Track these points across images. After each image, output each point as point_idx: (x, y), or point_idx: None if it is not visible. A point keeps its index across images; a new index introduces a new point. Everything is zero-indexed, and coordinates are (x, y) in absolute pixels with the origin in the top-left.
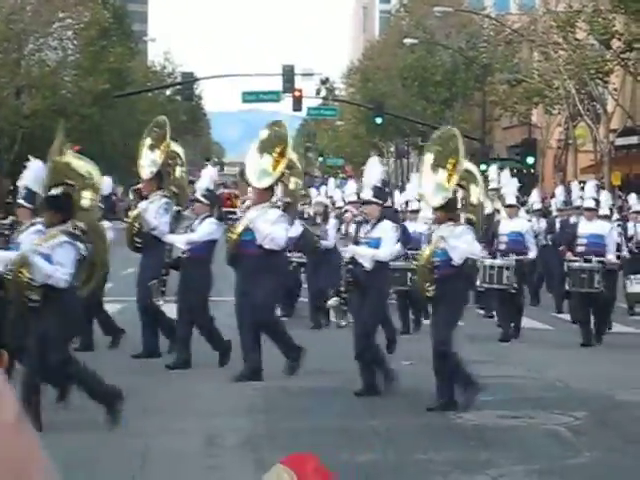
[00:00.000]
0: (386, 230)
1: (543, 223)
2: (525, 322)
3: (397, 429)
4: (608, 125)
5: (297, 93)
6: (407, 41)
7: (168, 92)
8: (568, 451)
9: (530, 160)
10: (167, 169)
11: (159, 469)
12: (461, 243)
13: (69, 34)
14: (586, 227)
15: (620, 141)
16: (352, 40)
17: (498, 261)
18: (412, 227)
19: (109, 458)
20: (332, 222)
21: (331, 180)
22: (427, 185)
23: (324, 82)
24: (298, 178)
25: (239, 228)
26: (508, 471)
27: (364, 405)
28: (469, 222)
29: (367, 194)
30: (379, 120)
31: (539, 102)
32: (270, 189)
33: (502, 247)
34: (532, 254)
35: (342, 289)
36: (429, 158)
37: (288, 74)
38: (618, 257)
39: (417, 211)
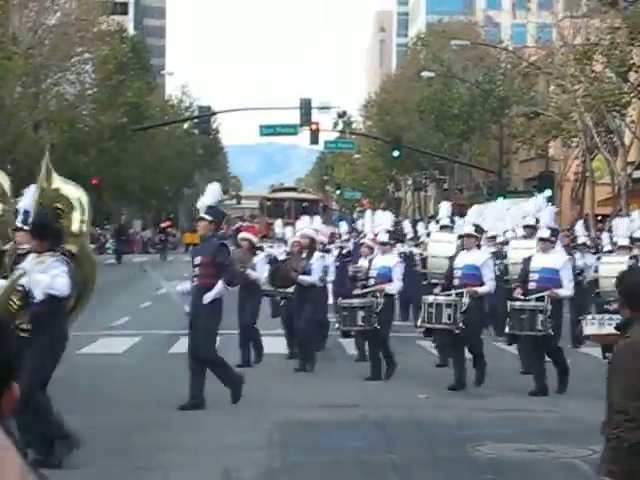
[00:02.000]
0: None
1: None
2: None
3: (413, 462)
4: (625, 158)
5: (314, 126)
6: (424, 74)
7: (185, 126)
8: None
9: (548, 193)
10: None
11: None
12: (45, 276)
13: (87, 68)
14: (540, 260)
15: (638, 174)
16: (369, 73)
17: (441, 298)
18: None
19: None
20: (316, 256)
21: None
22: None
23: (341, 115)
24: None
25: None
26: None
27: (380, 438)
28: (70, 254)
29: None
30: (396, 153)
31: (556, 135)
32: None
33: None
34: (486, 288)
35: None
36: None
37: (305, 107)
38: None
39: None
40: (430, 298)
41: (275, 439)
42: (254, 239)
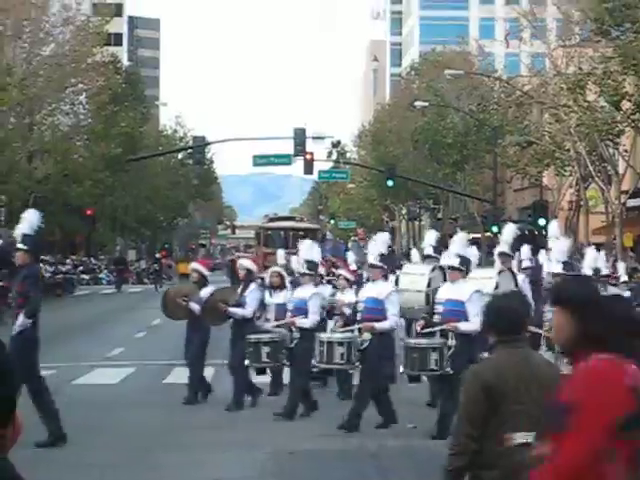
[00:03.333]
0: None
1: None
2: None
3: None
4: (619, 186)
5: (308, 156)
6: (418, 104)
7: (180, 156)
8: None
9: (542, 222)
10: None
11: None
12: None
13: (81, 99)
14: (446, 291)
15: (632, 202)
16: (363, 103)
17: (338, 335)
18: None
19: None
20: (251, 288)
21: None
22: None
23: (335, 145)
24: None
25: None
26: None
27: (374, 467)
28: None
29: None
30: (390, 183)
31: (550, 164)
32: None
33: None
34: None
35: None
36: None
37: (299, 137)
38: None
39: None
40: (323, 336)
41: (268, 469)
42: (205, 271)
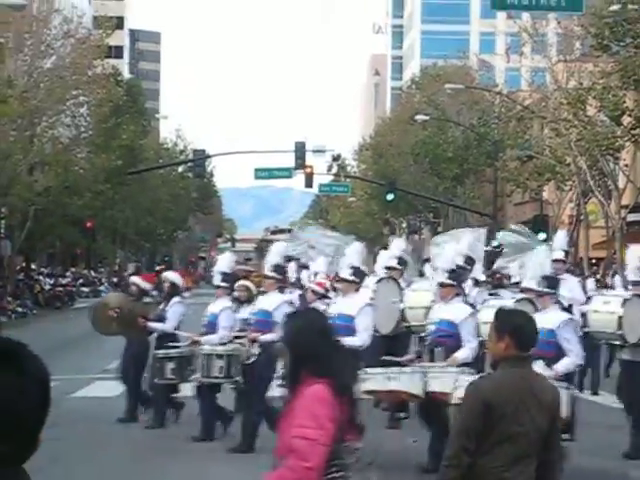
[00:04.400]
0: None
1: None
2: None
3: None
4: (620, 201)
5: (309, 170)
6: (418, 117)
7: (180, 169)
8: None
9: (542, 236)
10: None
11: None
12: None
13: (82, 111)
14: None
15: (632, 217)
16: (364, 116)
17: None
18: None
19: None
20: (174, 301)
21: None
22: None
23: (336, 159)
24: None
25: None
26: None
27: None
28: None
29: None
30: (390, 197)
31: (550, 178)
32: None
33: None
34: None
35: None
36: None
37: (300, 151)
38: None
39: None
40: (205, 348)
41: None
42: (144, 285)
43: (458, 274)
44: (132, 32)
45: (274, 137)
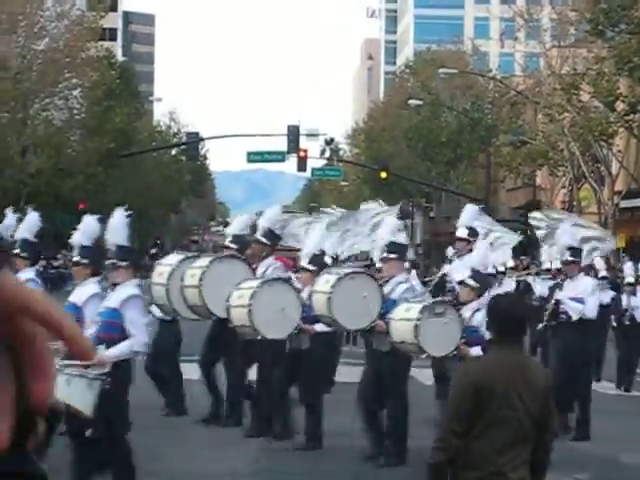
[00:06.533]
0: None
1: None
2: None
3: None
4: (612, 187)
5: (302, 153)
6: (412, 102)
7: (173, 152)
8: None
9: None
10: None
11: None
12: None
13: (75, 94)
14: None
15: (624, 203)
16: (357, 101)
17: None
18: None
19: None
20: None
21: None
22: None
23: (329, 143)
24: None
25: None
26: None
27: (368, 467)
28: None
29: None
30: (384, 175)
31: (543, 164)
32: None
33: None
34: None
35: None
36: None
37: (293, 134)
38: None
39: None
40: None
41: (262, 466)
42: None
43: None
44: (126, 14)
45: (267, 120)
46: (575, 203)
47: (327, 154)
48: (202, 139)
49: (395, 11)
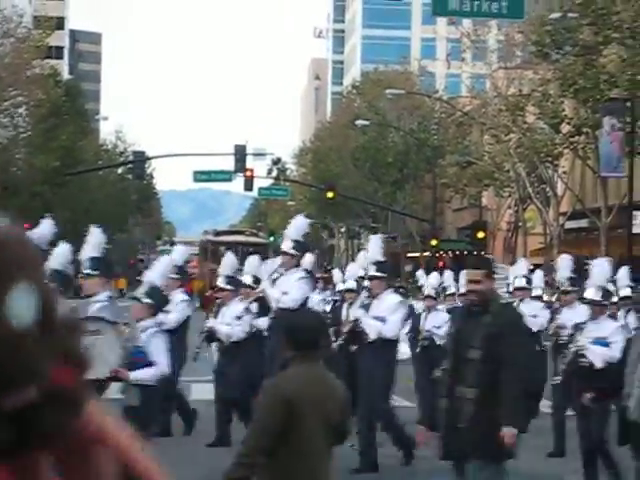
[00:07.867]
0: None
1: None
2: None
3: None
4: (558, 208)
5: (248, 173)
6: (359, 122)
7: (119, 171)
8: None
9: (480, 235)
10: None
11: None
12: None
13: (21, 111)
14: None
15: (570, 224)
16: (304, 120)
17: None
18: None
19: None
20: None
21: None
22: None
23: (276, 162)
24: None
25: None
26: None
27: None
28: None
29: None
30: (330, 194)
31: (489, 184)
32: None
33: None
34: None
35: None
36: None
37: (240, 154)
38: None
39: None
40: None
41: None
42: None
43: None
44: (72, 32)
45: (214, 140)
46: (521, 224)
47: (274, 174)
48: (148, 158)
49: (342, 31)
